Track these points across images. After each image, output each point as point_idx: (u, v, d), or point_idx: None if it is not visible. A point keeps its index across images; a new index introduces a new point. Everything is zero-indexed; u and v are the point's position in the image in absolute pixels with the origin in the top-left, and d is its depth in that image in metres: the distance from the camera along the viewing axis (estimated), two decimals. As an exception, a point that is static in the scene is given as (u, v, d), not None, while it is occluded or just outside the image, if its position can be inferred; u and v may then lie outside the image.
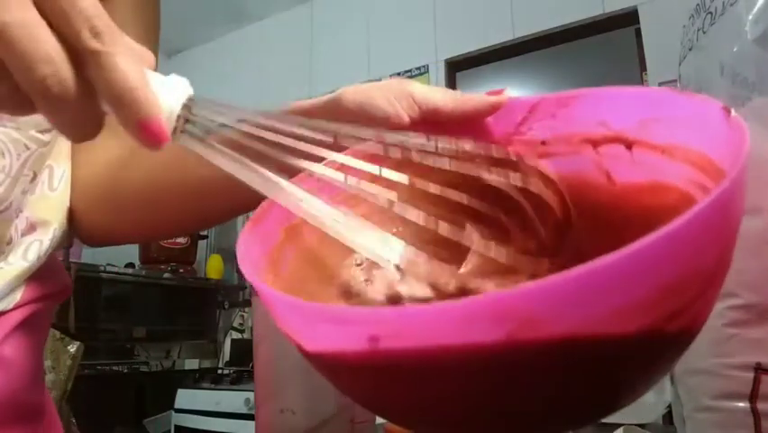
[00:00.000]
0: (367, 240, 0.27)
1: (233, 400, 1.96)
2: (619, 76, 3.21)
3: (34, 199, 0.42)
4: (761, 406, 0.34)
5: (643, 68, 2.13)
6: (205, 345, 2.87)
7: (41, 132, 0.41)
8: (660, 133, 0.26)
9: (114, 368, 2.30)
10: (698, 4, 0.45)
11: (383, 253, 0.27)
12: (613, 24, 2.26)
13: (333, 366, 0.21)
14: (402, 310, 0.18)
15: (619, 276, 0.14)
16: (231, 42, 3.26)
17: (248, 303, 2.94)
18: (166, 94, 0.23)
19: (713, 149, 0.23)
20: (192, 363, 2.71)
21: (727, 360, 0.36)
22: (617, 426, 0.59)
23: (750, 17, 0.38)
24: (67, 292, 0.48)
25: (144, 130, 0.22)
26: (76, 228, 0.47)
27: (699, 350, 0.40)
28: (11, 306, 0.42)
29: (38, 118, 0.38)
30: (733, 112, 0.21)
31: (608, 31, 2.30)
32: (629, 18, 2.17)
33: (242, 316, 2.93)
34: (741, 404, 0.35)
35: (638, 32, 2.14)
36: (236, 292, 3.03)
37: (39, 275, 0.44)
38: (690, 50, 0.47)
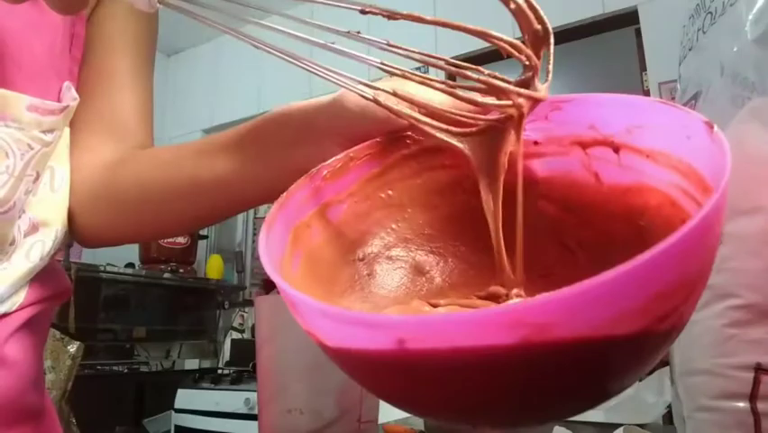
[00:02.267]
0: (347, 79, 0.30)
1: (232, 400, 1.96)
2: (619, 76, 3.21)
3: (36, 200, 0.42)
4: (761, 406, 0.34)
5: (643, 68, 2.13)
6: (205, 345, 2.87)
7: (44, 132, 0.41)
8: (645, 139, 0.28)
9: (114, 368, 2.30)
10: (698, 4, 0.45)
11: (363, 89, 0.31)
12: (613, 24, 2.26)
13: (357, 364, 0.23)
14: (428, 318, 0.20)
15: (622, 287, 0.17)
16: (231, 42, 3.26)
17: (248, 303, 2.94)
18: None
19: (694, 158, 0.25)
20: (192, 363, 2.71)
21: (727, 360, 0.36)
22: (617, 426, 0.59)
23: (750, 17, 0.38)
24: (67, 294, 0.48)
25: None
26: (73, 230, 0.48)
27: (699, 350, 0.40)
28: (14, 307, 0.42)
29: (41, 118, 0.40)
30: (715, 128, 0.23)
31: (607, 31, 2.30)
32: (629, 18, 2.17)
33: (242, 316, 2.93)
34: (741, 404, 0.35)
35: (638, 32, 2.14)
36: (236, 292, 3.03)
37: (40, 277, 0.44)
38: (690, 50, 0.47)
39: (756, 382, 0.34)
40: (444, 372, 0.19)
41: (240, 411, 1.92)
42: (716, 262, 0.36)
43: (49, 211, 0.44)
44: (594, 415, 0.76)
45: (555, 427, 0.60)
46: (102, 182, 0.47)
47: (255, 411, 1.85)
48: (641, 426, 0.63)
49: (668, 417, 0.76)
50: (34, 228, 0.42)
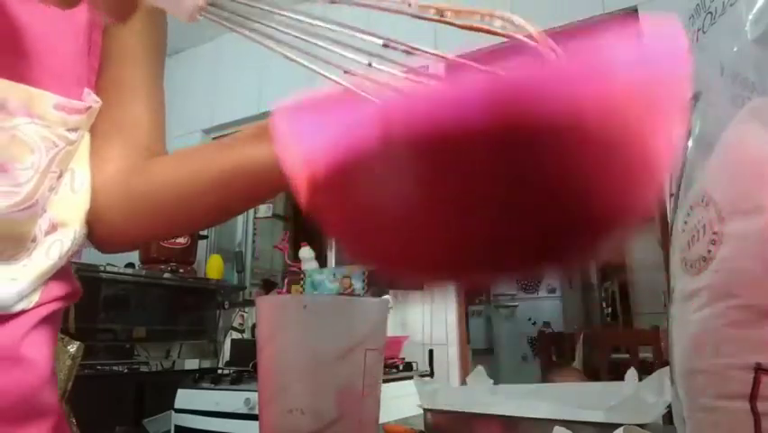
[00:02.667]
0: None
1: (232, 400, 1.96)
2: (619, 76, 3.22)
3: (57, 200, 0.43)
4: (761, 406, 0.34)
5: (643, 68, 2.13)
6: (205, 345, 2.87)
7: (69, 130, 0.42)
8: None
9: (114, 368, 2.30)
10: (698, 5, 0.45)
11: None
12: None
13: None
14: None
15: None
16: (231, 42, 3.26)
17: (248, 303, 2.94)
18: None
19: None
20: (192, 363, 2.71)
21: (727, 360, 0.36)
22: (617, 426, 0.59)
23: (750, 17, 0.38)
24: (77, 295, 0.49)
25: None
26: (97, 237, 0.49)
27: (699, 350, 0.40)
28: (31, 305, 0.43)
29: (67, 117, 0.41)
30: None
31: (607, 31, 2.30)
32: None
33: (242, 316, 2.93)
34: (741, 404, 0.35)
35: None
36: (236, 292, 3.03)
37: (55, 277, 0.45)
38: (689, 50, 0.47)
39: (756, 382, 0.34)
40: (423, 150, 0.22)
41: (240, 411, 1.92)
42: (716, 262, 0.36)
43: (68, 211, 0.45)
44: (594, 415, 0.76)
45: (555, 427, 0.60)
46: (119, 186, 0.48)
47: (255, 411, 1.85)
48: (641, 426, 0.63)
49: (668, 417, 0.76)
50: (54, 228, 0.43)
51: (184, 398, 2.11)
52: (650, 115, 0.23)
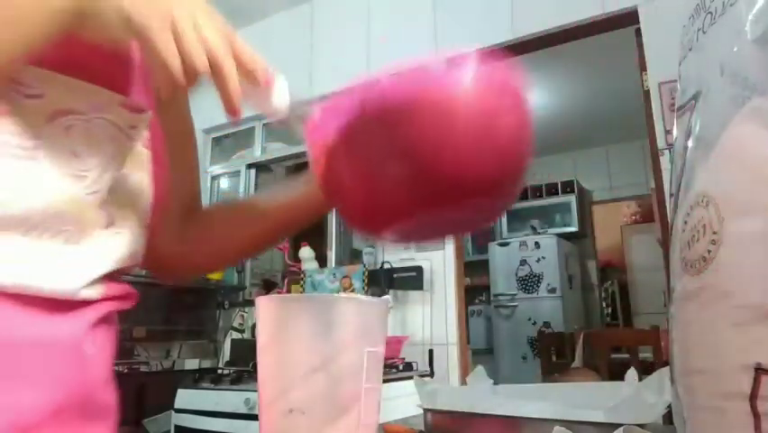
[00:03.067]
0: None
1: (232, 399, 1.96)
2: (619, 76, 3.22)
3: (115, 199, 0.47)
4: (761, 406, 0.34)
5: (643, 67, 2.13)
6: (205, 345, 2.87)
7: (130, 127, 0.47)
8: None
9: (114, 368, 2.30)
10: (698, 5, 0.45)
11: None
12: (613, 24, 2.26)
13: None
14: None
15: None
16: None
17: (248, 303, 2.94)
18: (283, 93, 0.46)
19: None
20: (192, 363, 2.71)
21: (727, 360, 0.36)
22: (617, 426, 0.59)
23: (750, 17, 0.38)
24: (134, 299, 0.52)
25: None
26: (156, 265, 0.60)
27: (699, 350, 0.40)
28: (94, 296, 0.45)
29: (129, 115, 0.47)
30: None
31: (607, 31, 2.30)
32: (629, 18, 2.17)
33: (242, 316, 2.93)
34: (741, 404, 0.35)
35: (638, 32, 2.14)
36: (236, 292, 3.03)
37: (114, 277, 0.48)
38: (690, 50, 0.47)
39: (756, 382, 0.34)
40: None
41: (240, 411, 1.92)
42: (716, 262, 0.36)
43: (125, 210, 0.49)
44: (594, 415, 0.76)
45: (555, 427, 0.60)
46: (180, 215, 0.61)
47: (255, 411, 1.85)
48: (641, 426, 0.63)
49: (668, 417, 0.76)
50: (112, 222, 0.48)
51: (184, 398, 2.11)
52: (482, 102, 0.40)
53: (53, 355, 0.42)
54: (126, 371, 2.34)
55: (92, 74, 0.44)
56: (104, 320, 0.47)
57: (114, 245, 0.47)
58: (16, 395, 0.39)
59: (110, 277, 0.47)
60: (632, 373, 0.86)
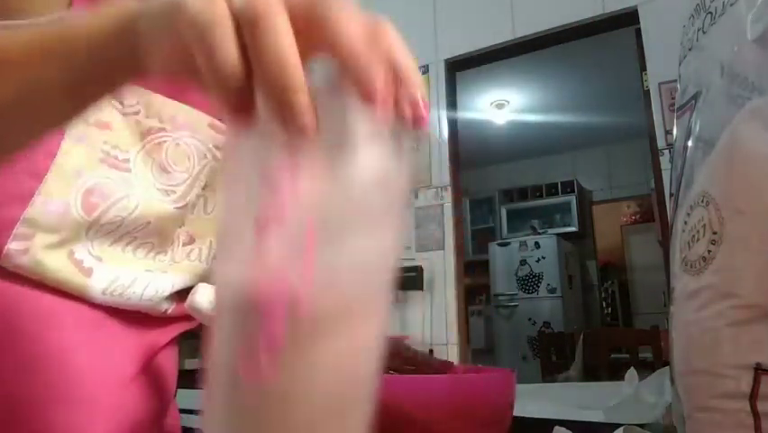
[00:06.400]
0: None
1: (232, 400, 1.96)
2: (619, 76, 3.21)
3: (193, 218, 0.49)
4: (761, 406, 0.34)
5: (643, 68, 2.13)
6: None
7: (216, 147, 0.49)
8: None
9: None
10: (698, 4, 0.45)
11: None
12: (613, 24, 2.26)
13: None
14: None
15: None
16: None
17: (248, 303, 2.94)
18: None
19: None
20: (192, 363, 2.71)
21: (727, 360, 0.36)
22: (618, 426, 0.59)
23: (750, 17, 0.38)
24: (193, 323, 0.53)
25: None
26: None
27: (699, 350, 0.40)
28: (171, 310, 0.47)
29: (216, 135, 0.48)
30: None
31: (607, 31, 2.30)
32: (629, 18, 2.17)
33: (242, 316, 2.93)
34: (741, 404, 0.35)
35: (638, 32, 2.14)
36: (236, 292, 3.03)
37: (183, 297, 0.48)
38: (690, 50, 0.47)
39: (756, 382, 0.34)
40: None
41: (240, 411, 1.92)
42: (716, 262, 0.37)
43: (202, 227, 0.50)
44: (594, 415, 0.76)
45: (555, 427, 0.60)
46: None
47: (255, 411, 1.84)
48: (641, 426, 0.63)
49: (668, 417, 0.76)
50: (191, 240, 0.50)
51: (184, 398, 2.11)
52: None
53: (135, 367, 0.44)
54: (126, 371, 2.33)
55: (184, 94, 0.46)
56: (173, 342, 0.49)
57: (195, 255, 0.49)
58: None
59: (179, 295, 0.48)
60: (632, 373, 0.86)
